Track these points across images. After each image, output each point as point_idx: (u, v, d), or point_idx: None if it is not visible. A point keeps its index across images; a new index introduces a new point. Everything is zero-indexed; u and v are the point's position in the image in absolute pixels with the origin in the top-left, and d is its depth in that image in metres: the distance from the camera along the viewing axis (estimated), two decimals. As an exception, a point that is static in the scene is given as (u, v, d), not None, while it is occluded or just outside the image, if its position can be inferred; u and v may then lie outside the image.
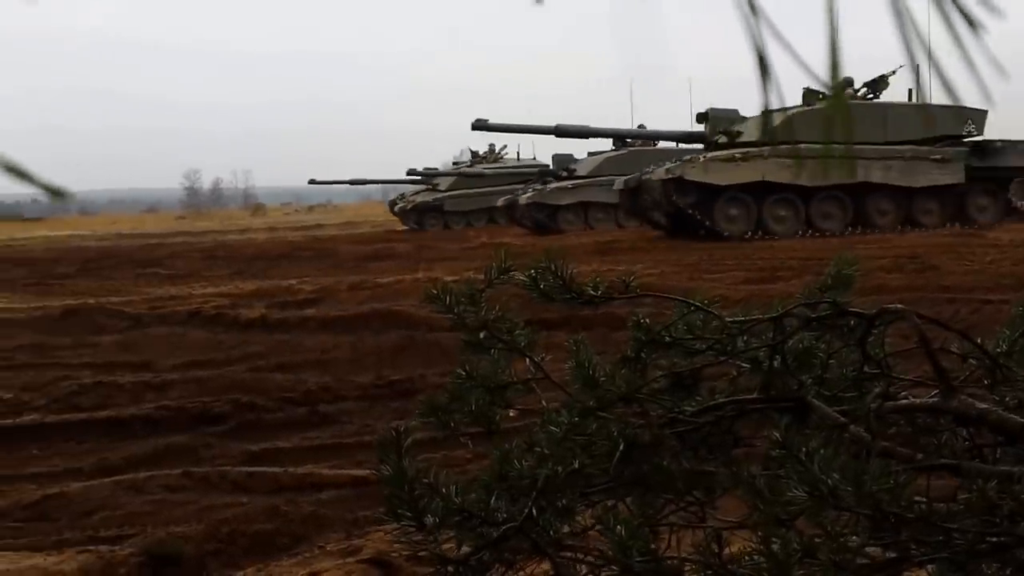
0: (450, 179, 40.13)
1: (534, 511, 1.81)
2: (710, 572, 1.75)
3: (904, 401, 2.03)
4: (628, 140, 30.87)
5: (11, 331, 10.91)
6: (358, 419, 6.47)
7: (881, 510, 1.51)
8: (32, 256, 25.98)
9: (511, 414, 2.29)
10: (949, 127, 23.69)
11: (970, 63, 0.66)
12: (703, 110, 25.41)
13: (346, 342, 9.07)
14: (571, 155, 35.36)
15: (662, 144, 29.99)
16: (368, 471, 4.87)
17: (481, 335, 2.16)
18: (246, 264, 20.80)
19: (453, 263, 18.27)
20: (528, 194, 32.51)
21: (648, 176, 24.02)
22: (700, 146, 25.64)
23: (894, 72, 24.96)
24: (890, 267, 13.36)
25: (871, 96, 25.13)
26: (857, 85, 25.18)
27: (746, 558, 1.62)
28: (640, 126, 31.42)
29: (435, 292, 2.17)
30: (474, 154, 42.47)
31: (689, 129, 26.57)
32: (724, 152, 23.30)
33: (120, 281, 17.73)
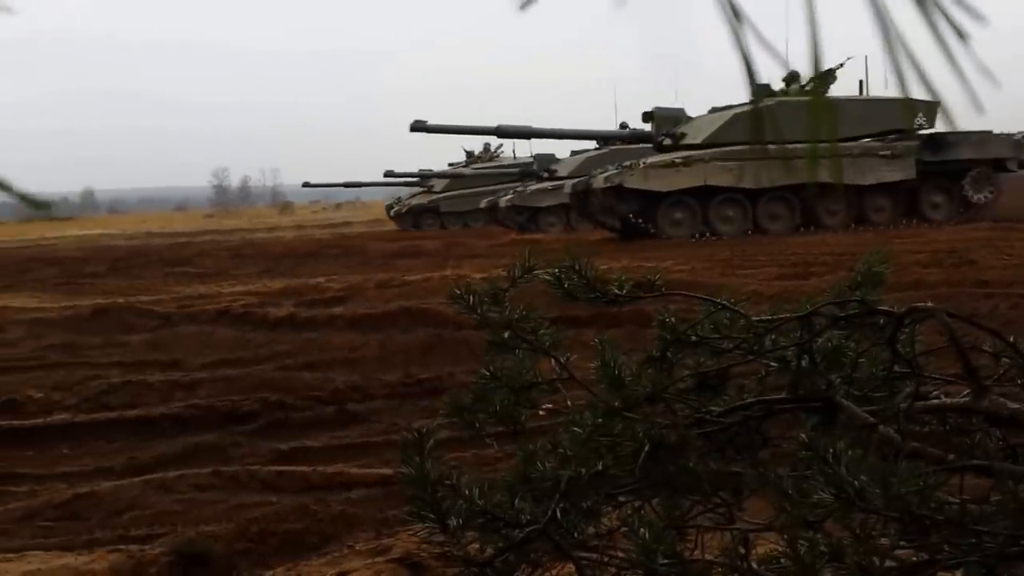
0: (444, 180, 39.67)
1: (557, 513, 1.80)
2: (736, 575, 1.74)
3: (935, 401, 2.00)
4: (609, 139, 29.67)
5: (42, 330, 10.98)
6: (387, 418, 6.47)
7: (910, 512, 1.49)
8: (62, 255, 26.14)
9: (541, 413, 2.28)
10: (899, 120, 22.98)
11: (959, 71, 0.64)
12: (649, 109, 24.85)
13: (374, 340, 9.07)
14: (553, 155, 34.35)
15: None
16: (397, 470, 4.87)
17: (505, 335, 2.14)
18: (274, 262, 20.85)
19: (482, 260, 18.24)
20: (508, 196, 31.70)
21: (591, 182, 23.52)
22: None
23: (842, 65, 24.39)
24: (927, 262, 13.19)
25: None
26: (805, 81, 24.66)
27: (772, 561, 1.60)
28: (622, 125, 30.32)
29: (458, 292, 2.15)
30: (469, 154, 42.20)
31: (638, 128, 25.99)
32: (664, 158, 22.74)
33: (149, 280, 17.81)
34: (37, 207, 0.66)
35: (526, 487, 1.88)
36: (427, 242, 26.27)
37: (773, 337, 2.05)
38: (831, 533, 1.56)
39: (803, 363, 2.00)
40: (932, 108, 22.84)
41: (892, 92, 23.15)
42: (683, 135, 23.65)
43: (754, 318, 2.07)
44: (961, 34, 0.63)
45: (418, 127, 25.66)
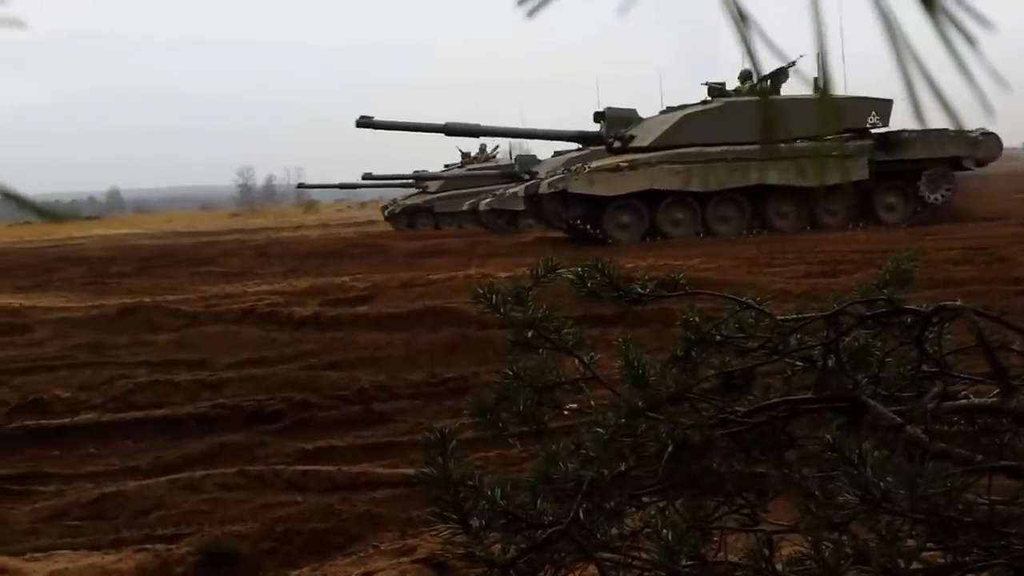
0: (439, 181, 39.41)
1: (580, 514, 1.79)
2: (761, 577, 1.72)
3: (963, 401, 1.98)
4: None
5: (69, 330, 11.05)
6: (412, 417, 6.48)
7: (937, 514, 1.47)
8: (89, 255, 26.24)
9: (565, 413, 2.27)
10: (852, 119, 22.25)
11: (969, 76, 0.63)
12: (601, 109, 24.21)
13: (399, 340, 9.07)
14: (534, 156, 33.71)
15: None
16: (420, 470, 4.87)
17: (528, 334, 2.13)
18: (299, 261, 20.89)
19: (506, 259, 18.22)
20: (487, 199, 31.06)
21: (538, 186, 23.02)
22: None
23: (794, 63, 23.74)
24: (958, 259, 13.06)
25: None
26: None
27: (797, 563, 1.58)
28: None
29: (481, 291, 2.15)
30: (465, 155, 42.04)
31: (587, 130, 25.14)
32: (610, 161, 22.27)
33: (175, 279, 17.88)
34: (42, 215, 0.66)
35: (548, 488, 1.87)
36: (451, 240, 26.26)
37: (799, 336, 2.03)
38: (857, 535, 1.54)
39: (829, 362, 1.98)
40: (886, 106, 22.51)
41: (851, 91, 22.73)
42: (632, 137, 23.12)
43: (779, 317, 2.05)
44: (969, 39, 0.61)
45: (364, 123, 24.90)
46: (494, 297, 2.13)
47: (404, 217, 39.00)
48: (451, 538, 1.87)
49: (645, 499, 1.91)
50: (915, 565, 1.50)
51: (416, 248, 23.24)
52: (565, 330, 2.13)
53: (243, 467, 5.36)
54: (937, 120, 0.65)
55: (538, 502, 1.84)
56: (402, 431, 6.15)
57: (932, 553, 1.61)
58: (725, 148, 21.31)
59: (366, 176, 43.57)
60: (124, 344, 9.86)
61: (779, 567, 1.72)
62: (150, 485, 5.19)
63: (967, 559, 1.56)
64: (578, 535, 1.79)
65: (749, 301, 2.07)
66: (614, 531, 1.86)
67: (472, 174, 38.02)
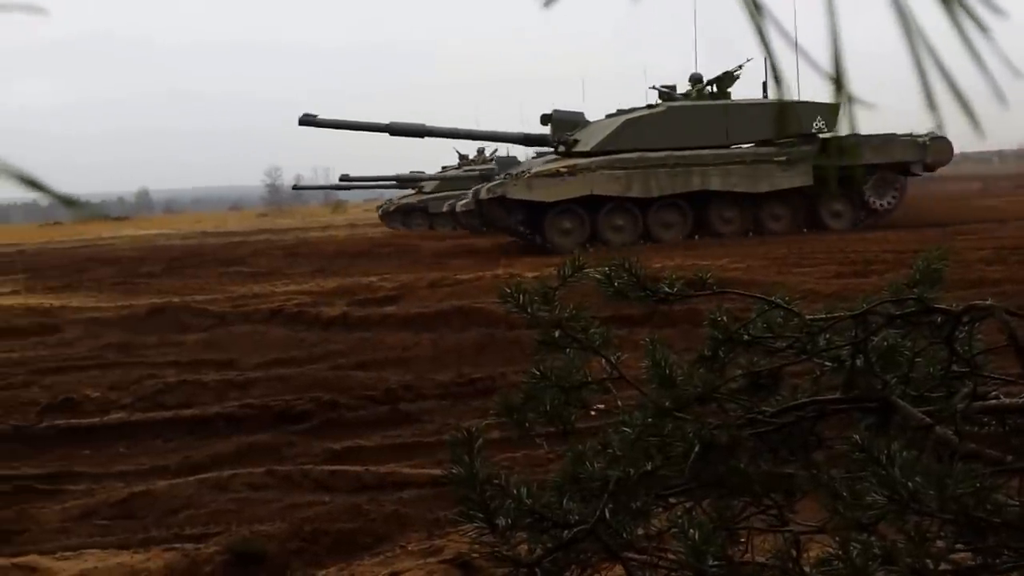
0: (435, 182, 39.25)
1: (606, 513, 1.78)
2: (789, 578, 1.71)
3: (994, 401, 1.96)
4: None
5: (99, 330, 11.12)
6: (439, 417, 6.48)
7: (966, 514, 1.45)
8: (118, 255, 26.39)
9: (592, 414, 2.26)
10: (797, 124, 21.43)
11: (982, 64, 0.62)
12: (548, 111, 23.71)
13: (427, 340, 9.08)
14: (514, 158, 33.34)
15: None
16: (446, 470, 4.87)
17: (555, 333, 2.13)
18: (327, 262, 20.93)
19: (535, 259, 18.22)
20: (465, 200, 31.00)
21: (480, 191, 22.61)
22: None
23: (741, 67, 23.17)
24: (991, 259, 12.93)
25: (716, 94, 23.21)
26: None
27: (824, 564, 1.57)
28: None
29: (508, 291, 2.14)
30: (463, 157, 41.92)
31: (534, 133, 24.81)
32: (550, 167, 21.81)
33: (204, 279, 17.96)
34: (69, 205, 0.66)
35: (575, 487, 1.86)
36: (479, 240, 26.25)
37: (827, 336, 2.02)
38: (885, 536, 1.53)
39: (858, 362, 1.97)
40: (832, 111, 20.87)
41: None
42: (576, 141, 22.77)
43: (808, 317, 2.04)
44: (983, 27, 0.61)
45: (307, 121, 24.32)
46: (521, 297, 2.13)
47: (398, 216, 39.03)
48: (478, 537, 1.87)
49: (672, 499, 1.90)
50: (944, 566, 1.49)
51: (444, 248, 23.28)
52: (592, 330, 2.13)
53: (271, 467, 5.38)
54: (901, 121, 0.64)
55: (564, 501, 1.84)
56: (429, 431, 6.16)
57: (962, 555, 1.60)
58: (667, 153, 21.03)
59: (343, 178, 43.54)
60: (153, 344, 9.92)
61: (806, 568, 1.71)
62: (179, 484, 5.21)
63: (997, 560, 1.55)
64: (604, 535, 1.78)
65: (777, 300, 2.06)
66: (640, 531, 1.85)
67: (468, 175, 37.91)
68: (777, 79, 0.66)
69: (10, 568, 3.90)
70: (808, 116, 21.64)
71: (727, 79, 22.93)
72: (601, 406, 2.26)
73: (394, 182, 41.45)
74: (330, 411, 6.68)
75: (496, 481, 1.85)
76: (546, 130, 24.05)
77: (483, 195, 22.01)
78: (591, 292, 2.22)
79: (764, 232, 21.66)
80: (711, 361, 2.05)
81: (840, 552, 1.51)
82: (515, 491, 1.83)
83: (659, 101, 23.13)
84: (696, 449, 1.83)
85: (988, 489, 1.47)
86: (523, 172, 22.05)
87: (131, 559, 4.03)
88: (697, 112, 21.99)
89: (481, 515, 1.82)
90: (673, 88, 23.57)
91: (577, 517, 1.81)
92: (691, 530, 1.68)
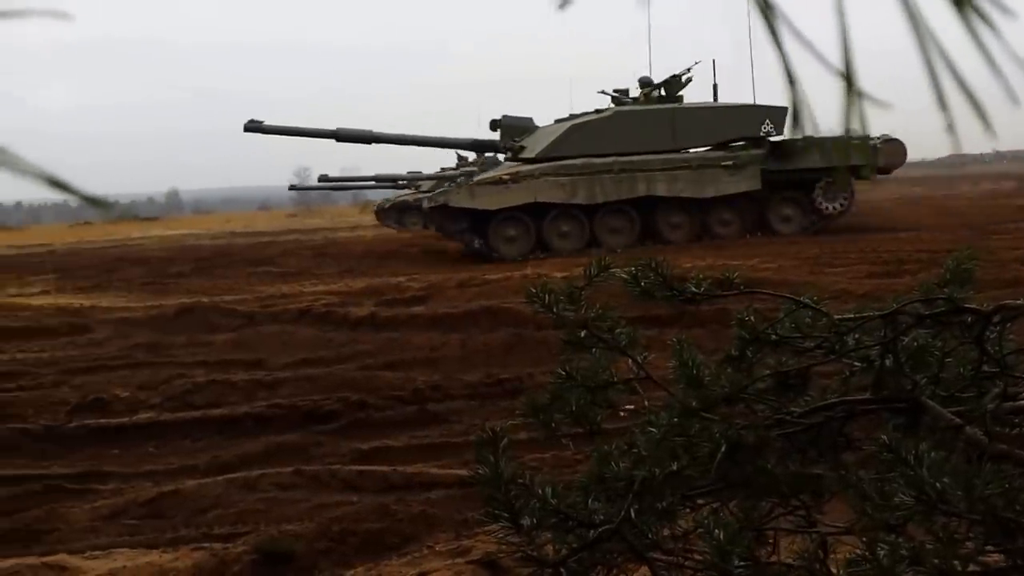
0: (431, 181, 39.19)
1: (631, 513, 1.77)
2: (816, 579, 1.70)
3: (1024, 401, 1.94)
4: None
5: (128, 330, 11.18)
6: (467, 418, 6.48)
7: (995, 515, 1.44)
8: (148, 255, 26.47)
9: (621, 415, 2.25)
10: (745, 127, 21.35)
11: (993, 63, 0.61)
12: (497, 116, 23.38)
13: (455, 340, 9.08)
14: (495, 157, 33.28)
15: None
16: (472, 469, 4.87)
17: (581, 333, 2.12)
18: (355, 262, 20.95)
19: (563, 259, 18.20)
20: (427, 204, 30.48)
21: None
22: None
23: (689, 70, 22.68)
24: (1028, 259, 12.81)
25: (665, 98, 22.73)
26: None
27: (852, 565, 1.56)
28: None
29: (534, 291, 2.14)
30: (461, 159, 41.89)
31: (484, 138, 24.35)
32: (493, 174, 21.48)
33: (233, 280, 18.01)
34: (97, 205, 0.66)
35: (600, 487, 1.86)
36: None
37: (857, 336, 2.00)
38: (913, 537, 1.52)
39: (887, 363, 1.95)
40: (780, 114, 21.44)
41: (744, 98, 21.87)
42: (522, 147, 22.41)
43: (836, 317, 2.02)
44: (992, 25, 0.60)
45: (252, 127, 23.65)
46: (547, 297, 2.12)
47: (393, 213, 39.07)
48: (503, 537, 1.86)
49: (698, 500, 1.89)
50: (972, 567, 1.47)
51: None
52: (618, 330, 2.12)
53: (299, 467, 5.40)
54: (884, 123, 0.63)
55: (589, 501, 1.83)
56: (457, 432, 6.16)
57: (993, 557, 1.58)
58: (613, 159, 20.72)
59: (322, 178, 43.54)
60: (182, 344, 9.96)
61: (834, 569, 1.70)
62: (207, 484, 5.24)
63: (1028, 562, 1.53)
64: (630, 535, 1.77)
65: (806, 300, 2.05)
66: (666, 531, 1.85)
67: (456, 176, 37.84)
68: (791, 80, 0.65)
69: (40, 567, 3.93)
70: (756, 120, 21.33)
71: (675, 83, 22.45)
72: (631, 407, 2.25)
73: (372, 182, 41.37)
74: (358, 411, 6.70)
75: (521, 481, 1.84)
76: (496, 136, 23.73)
77: (426, 204, 21.86)
78: (618, 292, 2.22)
79: (712, 237, 21.24)
80: (739, 361, 2.04)
81: (868, 553, 1.49)
82: (540, 491, 1.82)
83: (610, 105, 22.83)
84: (723, 449, 1.82)
85: (1018, 490, 1.45)
86: (467, 179, 21.87)
87: (159, 558, 4.05)
88: (644, 117, 21.62)
89: (506, 515, 1.82)
90: (625, 92, 23.25)
91: (602, 517, 1.80)
92: (717, 531, 1.67)
